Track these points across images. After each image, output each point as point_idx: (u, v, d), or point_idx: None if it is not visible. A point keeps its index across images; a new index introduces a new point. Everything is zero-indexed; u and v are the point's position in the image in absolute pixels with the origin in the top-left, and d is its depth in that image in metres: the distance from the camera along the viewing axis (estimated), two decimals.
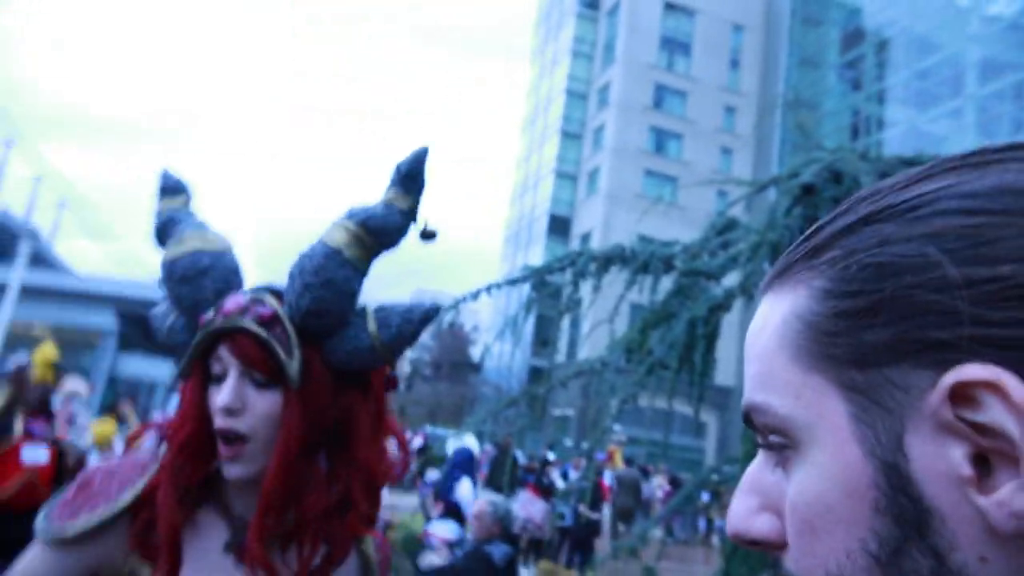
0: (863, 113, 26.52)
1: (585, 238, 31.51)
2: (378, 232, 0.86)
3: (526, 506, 6.94)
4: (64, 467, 3.67)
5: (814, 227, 0.37)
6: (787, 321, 0.35)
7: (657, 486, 13.39)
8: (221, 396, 0.83)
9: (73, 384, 4.64)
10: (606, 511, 9.77)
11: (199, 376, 0.87)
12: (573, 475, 10.27)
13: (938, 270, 0.30)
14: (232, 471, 0.84)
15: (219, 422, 0.84)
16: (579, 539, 8.97)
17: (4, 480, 3.53)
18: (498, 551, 3.60)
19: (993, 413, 0.28)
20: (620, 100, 32.64)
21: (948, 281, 0.29)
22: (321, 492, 0.87)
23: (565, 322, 4.34)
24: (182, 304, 0.90)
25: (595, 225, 31.10)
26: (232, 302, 0.86)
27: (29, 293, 16.83)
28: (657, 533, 3.41)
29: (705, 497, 9.15)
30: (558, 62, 38.33)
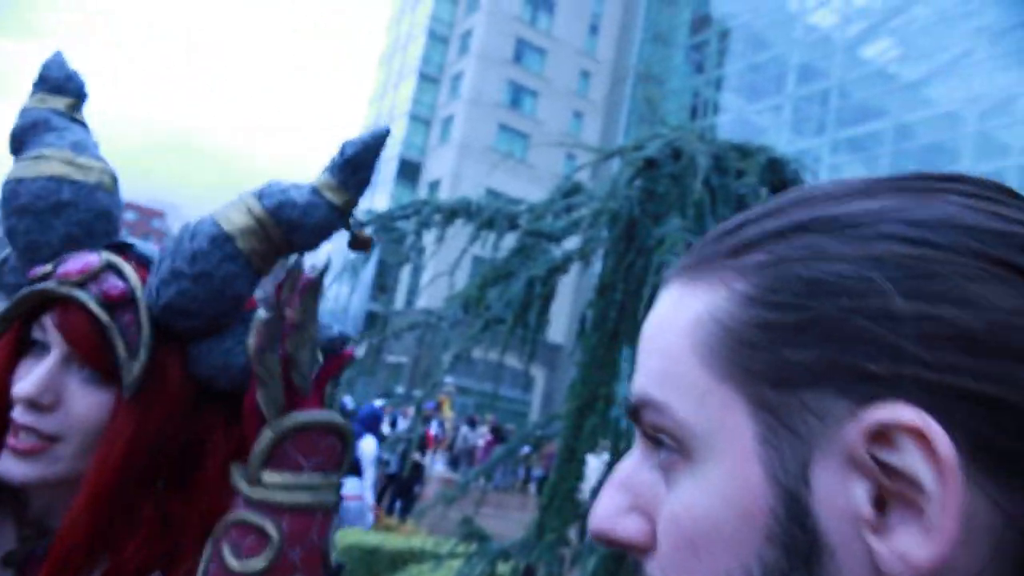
0: (702, 96, 28.36)
1: (434, 186, 31.13)
2: (290, 226, 0.66)
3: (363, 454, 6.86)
4: None
5: (736, 222, 0.34)
6: (702, 322, 0.32)
7: (480, 435, 13.86)
8: (26, 382, 0.63)
9: None
10: (428, 458, 9.93)
11: (9, 342, 0.66)
12: (402, 423, 10.31)
13: (881, 299, 0.28)
14: (13, 470, 0.63)
15: (17, 414, 0.63)
16: (403, 486, 9.08)
17: None
18: None
19: (909, 459, 0.27)
20: (481, 49, 32.20)
21: (892, 313, 0.28)
22: (145, 540, 0.66)
23: (405, 270, 4.24)
24: (15, 240, 0.67)
25: (444, 174, 30.77)
26: (77, 262, 0.65)
27: None
28: (479, 481, 3.49)
29: (525, 449, 9.61)
30: (420, 0, 36.92)
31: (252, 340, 0.61)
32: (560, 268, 4.02)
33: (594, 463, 3.35)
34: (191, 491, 0.69)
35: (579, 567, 2.96)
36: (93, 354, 0.65)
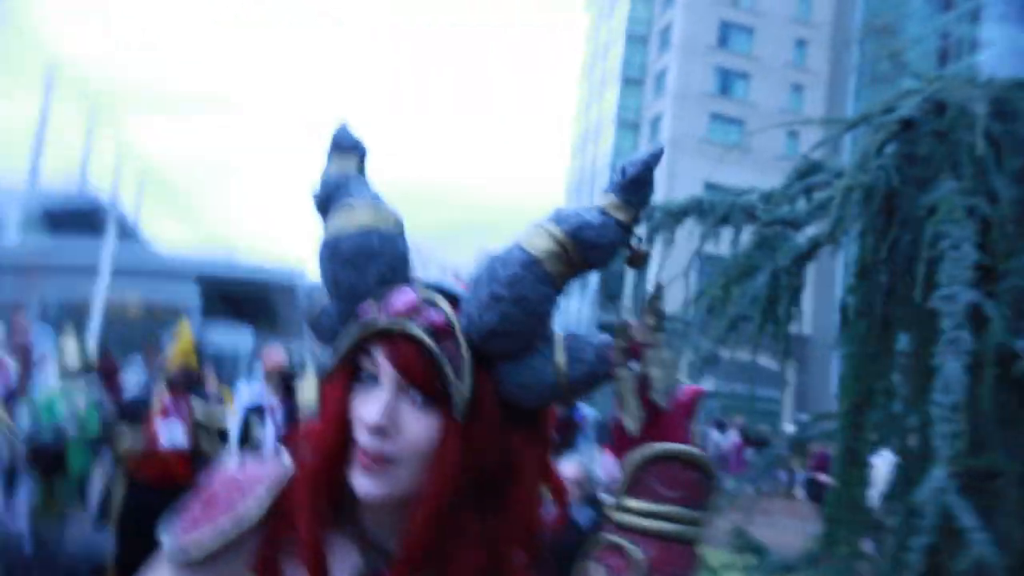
0: (953, 35, 24.43)
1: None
2: (589, 247, 0.70)
3: (607, 468, 6.94)
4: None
5: None
6: None
7: (730, 439, 13.19)
8: (370, 410, 0.71)
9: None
10: None
11: (345, 375, 0.75)
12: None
13: None
14: (367, 487, 0.71)
15: (364, 439, 0.71)
16: None
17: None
18: (583, 515, 3.58)
19: None
20: (682, 40, 31.23)
21: None
22: (472, 549, 0.72)
23: (630, 276, 4.21)
24: (338, 289, 0.76)
25: (659, 174, 30.14)
26: (401, 299, 0.73)
27: (118, 271, 17.83)
28: (747, 490, 3.31)
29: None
30: (617, 4, 36.90)
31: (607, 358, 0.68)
32: (807, 256, 3.69)
33: (880, 465, 3.00)
34: (506, 508, 0.74)
35: None
36: (424, 380, 0.71)
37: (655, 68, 33.58)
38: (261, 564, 0.75)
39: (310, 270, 0.84)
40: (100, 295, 15.69)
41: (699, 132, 30.14)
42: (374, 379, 0.73)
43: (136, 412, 4.04)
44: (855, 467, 2.80)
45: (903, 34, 26.56)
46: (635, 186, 0.71)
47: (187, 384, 4.07)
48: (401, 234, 0.78)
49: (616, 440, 0.74)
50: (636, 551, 0.67)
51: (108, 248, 16.29)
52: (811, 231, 3.72)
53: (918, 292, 2.53)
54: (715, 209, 3.01)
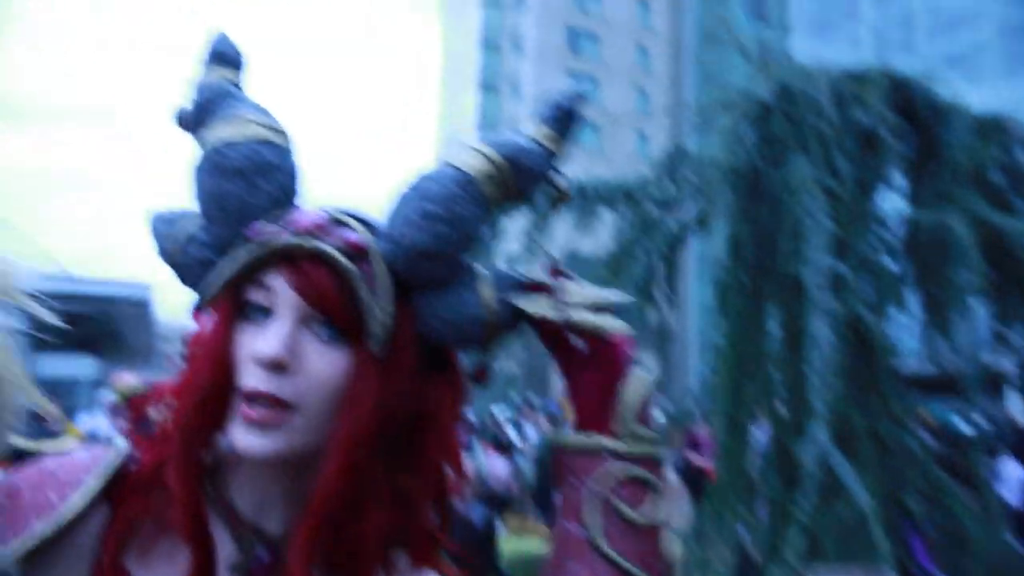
0: (771, 45, 27.03)
1: None
2: (524, 173, 0.66)
3: (494, 468, 6.91)
4: None
5: None
6: None
7: None
8: (264, 342, 0.59)
9: None
10: None
11: (227, 308, 0.63)
12: (531, 431, 10.31)
13: None
14: (255, 443, 0.59)
15: (252, 380, 0.59)
16: (542, 492, 9.04)
17: None
18: (476, 513, 3.50)
19: None
20: (536, 48, 32.16)
21: None
22: (384, 510, 0.63)
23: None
24: (224, 206, 0.64)
25: None
26: (307, 217, 0.63)
27: None
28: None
29: None
30: (468, 14, 37.32)
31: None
32: (679, 239, 3.86)
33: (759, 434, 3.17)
34: (419, 463, 0.67)
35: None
36: (336, 306, 0.61)
37: (509, 73, 34.30)
38: (106, 559, 0.61)
39: (161, 288, 0.70)
40: None
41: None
42: (264, 312, 0.62)
43: None
44: (737, 435, 2.93)
45: (728, 42, 29.03)
46: (567, 118, 0.69)
47: None
48: (293, 152, 0.68)
49: (571, 374, 0.73)
50: (653, 479, 0.68)
51: None
52: (679, 216, 3.90)
53: (785, 263, 2.70)
54: (597, 191, 3.05)
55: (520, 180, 0.66)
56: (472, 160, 0.65)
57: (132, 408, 0.68)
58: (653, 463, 0.69)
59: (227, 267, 0.63)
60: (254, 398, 0.59)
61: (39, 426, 3.73)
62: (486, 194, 0.65)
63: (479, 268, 0.69)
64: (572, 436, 0.70)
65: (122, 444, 0.65)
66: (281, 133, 0.67)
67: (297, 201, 0.68)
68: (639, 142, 30.82)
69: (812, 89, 3.08)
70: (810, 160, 2.87)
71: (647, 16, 34.21)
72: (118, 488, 0.63)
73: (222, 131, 0.65)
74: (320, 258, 0.61)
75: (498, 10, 35.93)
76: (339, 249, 0.62)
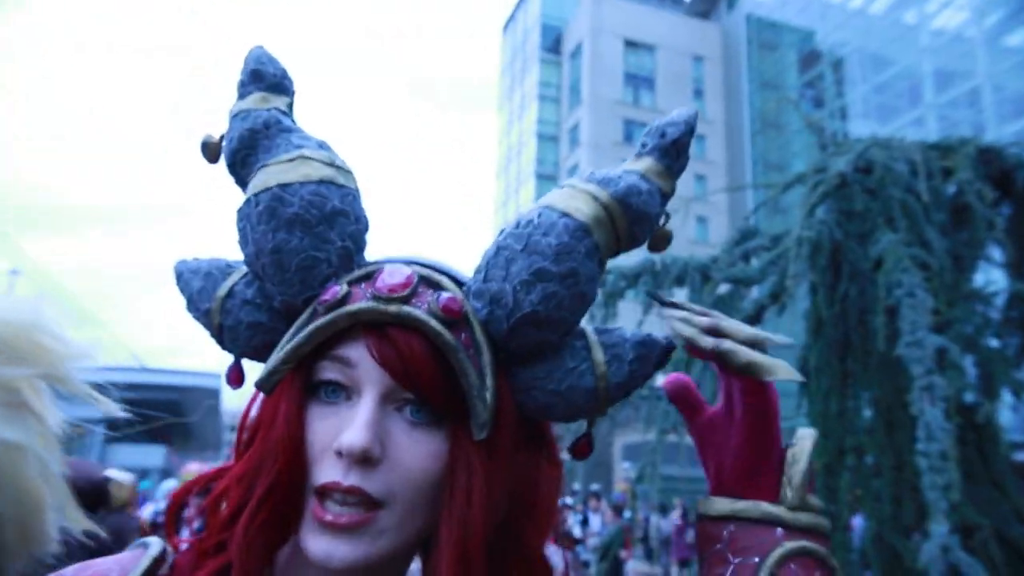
0: (828, 129, 27.02)
1: None
2: (636, 217, 0.57)
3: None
4: None
5: None
6: None
7: (671, 521, 12.96)
8: (353, 432, 0.50)
9: None
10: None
11: (298, 386, 0.54)
12: (593, 520, 9.84)
13: None
14: (339, 551, 0.50)
15: (332, 474, 0.50)
16: None
17: None
18: None
19: None
20: (590, 139, 33.08)
21: None
22: None
23: None
24: (282, 262, 0.54)
25: None
26: (394, 276, 0.54)
27: None
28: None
29: None
30: (526, 107, 38.94)
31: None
32: (755, 319, 3.70)
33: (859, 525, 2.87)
34: (522, 546, 0.57)
35: None
36: (433, 386, 0.52)
37: (567, 164, 35.23)
38: None
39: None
40: None
41: None
42: (339, 391, 0.53)
43: None
44: (835, 532, 2.66)
45: (786, 129, 29.17)
46: (678, 149, 0.59)
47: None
48: (360, 195, 0.59)
49: (712, 427, 0.61)
50: (829, 555, 0.56)
51: None
52: (754, 295, 3.76)
53: (880, 341, 2.52)
54: (669, 270, 2.97)
55: (632, 226, 0.57)
56: (582, 205, 0.55)
57: (173, 502, 0.59)
58: (823, 537, 0.58)
59: (298, 339, 0.53)
60: (332, 495, 0.51)
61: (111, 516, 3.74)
62: (599, 245, 0.56)
63: (587, 329, 0.60)
64: (731, 503, 0.57)
65: (155, 545, 0.56)
66: (347, 172, 0.58)
67: (365, 255, 0.59)
68: (699, 227, 30.76)
69: (893, 161, 2.97)
70: (898, 234, 2.72)
71: (702, 105, 34.88)
72: None
73: (277, 172, 0.55)
74: (410, 326, 0.53)
75: (555, 104, 37.35)
76: (434, 315, 0.53)
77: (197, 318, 0.59)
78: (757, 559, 0.54)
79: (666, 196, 0.59)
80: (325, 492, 0.50)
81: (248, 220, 0.55)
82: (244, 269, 0.58)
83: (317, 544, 0.50)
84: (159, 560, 0.55)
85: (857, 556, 2.85)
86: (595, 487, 11.58)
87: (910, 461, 2.47)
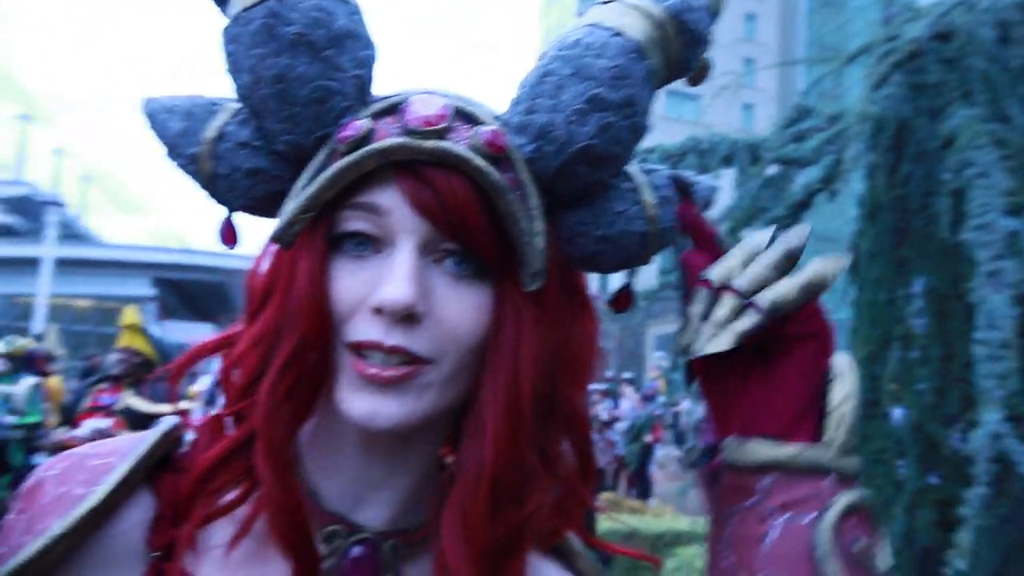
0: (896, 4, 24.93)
1: None
2: (692, 36, 0.50)
3: None
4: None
5: None
6: None
7: (703, 408, 13.23)
8: (396, 285, 0.44)
9: None
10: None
11: (319, 239, 0.47)
12: (624, 404, 10.10)
13: None
14: (385, 409, 0.46)
15: (372, 332, 0.45)
16: (636, 468, 8.86)
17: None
18: None
19: None
20: None
21: None
22: (543, 476, 0.50)
23: None
24: (286, 92, 0.46)
25: None
26: (421, 107, 0.47)
27: (65, 266, 17.08)
28: None
29: None
30: None
31: None
32: (803, 204, 3.51)
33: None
34: (564, 418, 0.53)
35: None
36: (478, 233, 0.46)
37: None
38: (158, 565, 0.47)
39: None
40: (43, 290, 14.93)
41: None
42: (366, 244, 0.47)
43: (68, 414, 3.71)
44: (874, 420, 2.62)
45: (848, 4, 26.91)
46: None
47: (126, 375, 3.69)
48: (364, 14, 0.50)
49: (754, 363, 0.49)
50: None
51: (49, 242, 15.50)
52: (802, 179, 3.55)
53: (943, 226, 2.35)
54: (716, 148, 2.78)
55: (685, 47, 0.50)
56: (636, 21, 0.48)
57: (174, 372, 0.55)
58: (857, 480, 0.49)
59: (319, 183, 0.46)
60: (371, 354, 0.45)
61: (160, 388, 3.91)
62: (655, 68, 0.49)
63: (632, 169, 0.53)
64: (774, 448, 0.46)
65: (166, 422, 0.52)
66: None
67: (375, 88, 0.50)
68: (745, 114, 29.37)
69: (979, 26, 2.65)
70: (975, 109, 2.47)
71: None
72: (165, 473, 0.50)
73: None
74: (450, 164, 0.46)
75: None
76: (477, 151, 0.46)
77: (182, 166, 0.50)
78: (812, 516, 0.44)
79: (714, 15, 0.52)
80: (362, 350, 0.45)
81: (239, 43, 0.46)
82: (234, 106, 0.50)
83: (360, 402, 0.45)
84: (172, 437, 0.51)
85: (893, 445, 2.82)
86: (628, 375, 11.82)
87: (961, 351, 2.37)
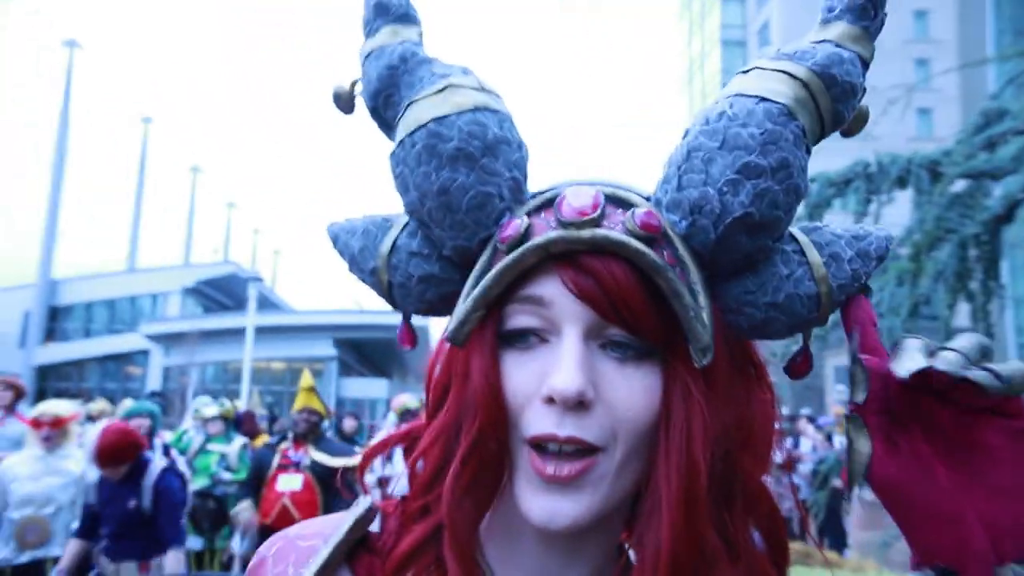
0: None
1: None
2: (841, 91, 0.49)
3: None
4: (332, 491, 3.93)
5: None
6: None
7: None
8: (564, 374, 0.45)
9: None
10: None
11: (492, 333, 0.49)
12: (805, 444, 9.31)
13: None
14: (562, 509, 0.47)
15: (547, 424, 0.46)
16: (828, 515, 8.07)
17: (268, 508, 3.92)
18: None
19: None
20: (782, 33, 29.83)
21: None
22: (727, 563, 0.48)
23: None
24: (449, 202, 0.50)
25: None
26: (579, 199, 0.48)
27: (262, 333, 19.23)
28: None
29: None
30: (708, 12, 36.04)
31: None
32: (1003, 218, 3.11)
33: None
34: (746, 488, 0.51)
35: None
36: (642, 315, 0.47)
37: (754, 26, 32.29)
38: None
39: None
40: (247, 356, 16.83)
41: None
42: (531, 337, 0.49)
43: (258, 471, 4.11)
44: None
45: None
46: (874, 6, 0.51)
47: (308, 433, 4.06)
48: (512, 118, 0.53)
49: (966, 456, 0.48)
50: None
51: (251, 314, 17.54)
52: (1001, 190, 3.15)
53: None
54: (887, 171, 2.56)
55: (836, 101, 0.49)
56: (778, 85, 0.48)
57: (362, 463, 0.60)
58: None
59: (485, 282, 0.49)
60: (546, 447, 0.47)
61: (326, 440, 4.24)
62: (805, 128, 0.48)
63: (794, 230, 0.53)
64: None
65: (362, 504, 0.56)
66: (497, 96, 0.53)
67: (530, 185, 0.53)
68: (920, 120, 26.72)
69: None
70: None
71: None
72: (362, 554, 0.54)
73: (428, 107, 0.50)
74: (608, 251, 0.47)
75: (739, 3, 34.13)
76: (633, 235, 0.47)
77: (363, 279, 0.57)
78: None
79: (866, 64, 0.51)
80: (539, 445, 0.47)
81: (405, 164, 0.51)
82: (403, 220, 0.55)
83: (537, 503, 0.47)
84: (367, 519, 0.55)
85: None
86: (806, 411, 10.93)
87: None
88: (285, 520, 3.81)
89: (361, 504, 0.56)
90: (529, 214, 0.50)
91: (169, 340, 25.00)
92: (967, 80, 25.41)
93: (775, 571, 0.52)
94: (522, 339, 0.49)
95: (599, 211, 0.48)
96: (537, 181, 0.54)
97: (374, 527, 0.56)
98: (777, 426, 0.54)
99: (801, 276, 0.50)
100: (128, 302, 30.48)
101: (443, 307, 0.54)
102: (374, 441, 0.61)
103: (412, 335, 0.58)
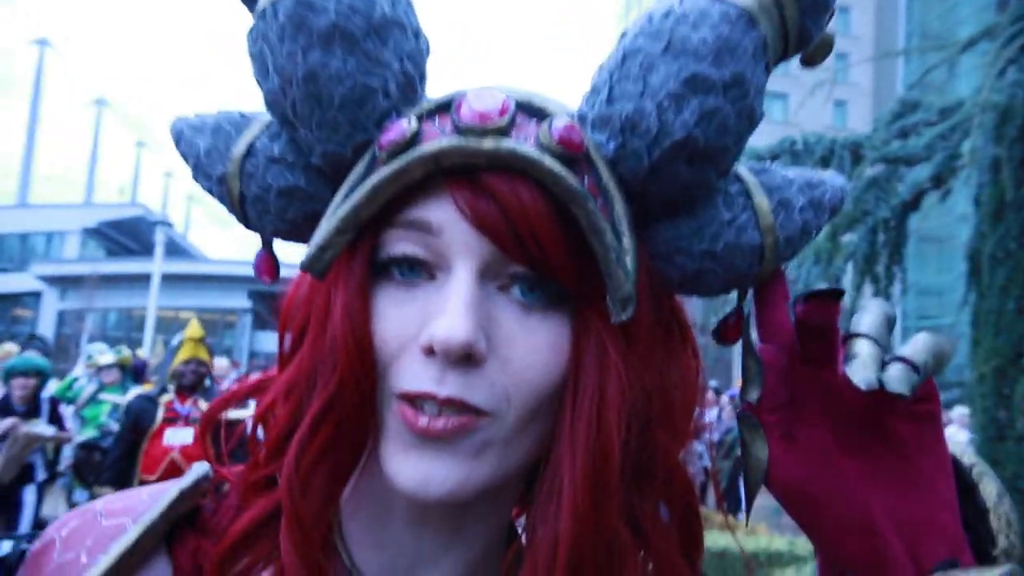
0: None
1: None
2: (813, 1, 0.41)
3: None
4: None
5: None
6: None
7: None
8: (445, 321, 0.37)
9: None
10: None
11: (362, 263, 0.40)
12: (714, 414, 9.74)
13: None
14: (439, 474, 0.38)
15: (425, 381, 0.37)
16: (729, 482, 8.51)
17: (152, 465, 3.62)
18: None
19: None
20: None
21: None
22: (633, 548, 0.41)
23: None
24: (320, 93, 0.39)
25: None
26: (478, 102, 0.38)
27: (170, 281, 18.28)
28: None
29: None
30: None
31: None
32: (911, 205, 3.25)
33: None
34: (660, 465, 0.44)
35: None
36: (553, 252, 0.38)
37: None
38: None
39: None
40: (152, 303, 15.99)
41: None
42: (417, 269, 0.39)
43: (136, 424, 3.80)
44: (1004, 442, 2.36)
45: None
46: None
47: (196, 385, 3.80)
48: (411, 4, 0.42)
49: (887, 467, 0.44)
50: None
51: (158, 260, 16.65)
52: (910, 178, 3.29)
53: None
54: (812, 149, 2.61)
55: (804, 14, 0.41)
56: None
57: (203, 424, 0.48)
58: None
59: (355, 199, 0.39)
60: (429, 404, 0.38)
61: (212, 392, 4.01)
62: (767, 41, 0.39)
63: (741, 168, 0.45)
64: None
65: (192, 474, 0.46)
66: None
67: (427, 84, 0.43)
68: (836, 112, 27.97)
69: None
70: None
71: None
72: (189, 533, 0.44)
73: None
74: (515, 169, 0.38)
75: None
76: (548, 150, 0.38)
77: (209, 189, 0.45)
78: None
79: None
80: (412, 401, 0.38)
81: (265, 40, 0.40)
82: (266, 118, 0.44)
83: (408, 465, 0.38)
84: (199, 491, 0.45)
85: None
86: (714, 383, 11.39)
87: None
88: (175, 476, 3.58)
89: (193, 472, 0.46)
90: (420, 118, 0.39)
91: (65, 283, 23.46)
92: (880, 76, 26.74)
93: (687, 565, 0.45)
94: (404, 273, 0.40)
95: (507, 118, 0.38)
96: (437, 90, 0.43)
97: (209, 501, 0.46)
98: (700, 398, 0.47)
99: (744, 223, 0.42)
100: (18, 239, 28.27)
101: (309, 229, 0.43)
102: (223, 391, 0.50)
103: (273, 264, 0.47)
